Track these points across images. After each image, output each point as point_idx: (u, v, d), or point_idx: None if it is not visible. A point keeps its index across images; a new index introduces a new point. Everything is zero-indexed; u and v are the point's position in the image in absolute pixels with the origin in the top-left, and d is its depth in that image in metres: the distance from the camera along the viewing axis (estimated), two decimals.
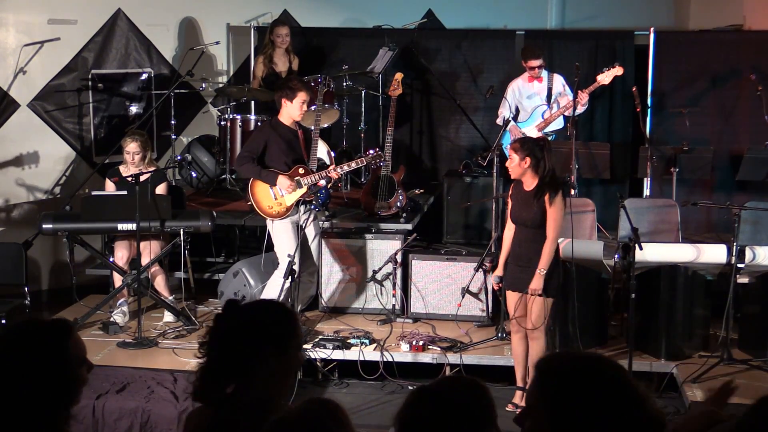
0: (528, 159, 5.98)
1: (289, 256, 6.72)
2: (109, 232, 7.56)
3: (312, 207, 7.06)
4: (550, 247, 6.00)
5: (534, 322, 6.04)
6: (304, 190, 6.90)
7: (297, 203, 6.94)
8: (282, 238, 6.95)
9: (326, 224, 7.83)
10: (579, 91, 8.14)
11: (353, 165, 7.32)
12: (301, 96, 6.82)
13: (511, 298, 6.20)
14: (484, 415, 2.39)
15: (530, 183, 6.07)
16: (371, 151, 7.39)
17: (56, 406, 2.62)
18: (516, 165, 6.02)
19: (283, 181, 6.84)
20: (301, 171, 6.91)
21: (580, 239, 6.63)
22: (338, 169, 7.11)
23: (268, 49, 9.19)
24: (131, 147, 7.38)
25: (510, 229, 6.25)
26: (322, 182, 7.62)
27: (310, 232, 7.10)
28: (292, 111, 6.87)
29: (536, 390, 2.28)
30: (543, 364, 2.36)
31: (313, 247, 7.18)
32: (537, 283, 5.96)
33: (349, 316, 7.65)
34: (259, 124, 8.59)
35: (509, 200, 6.24)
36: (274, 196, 6.90)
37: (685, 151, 8.26)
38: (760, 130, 8.59)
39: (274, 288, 6.88)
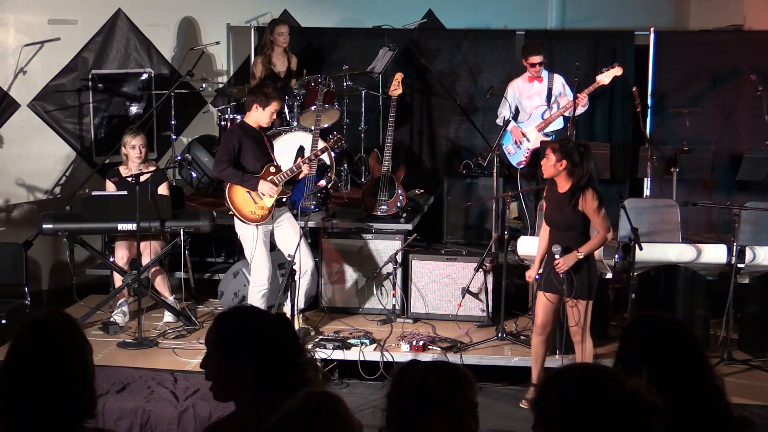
0: (564, 162, 5.93)
1: (289, 256, 6.72)
2: (110, 232, 7.56)
3: (291, 202, 7.08)
4: (599, 239, 5.96)
5: (577, 326, 6.00)
6: (279, 188, 6.90)
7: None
8: (257, 248, 6.91)
9: (312, 223, 7.81)
10: (578, 94, 8.14)
11: (319, 153, 7.30)
12: (274, 105, 6.81)
13: (541, 299, 6.13)
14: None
15: (564, 185, 6.01)
16: (330, 136, 7.41)
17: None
18: (551, 165, 5.96)
19: (264, 185, 6.82)
20: (272, 170, 6.90)
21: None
22: (307, 161, 7.07)
23: (267, 49, 9.18)
24: (137, 141, 7.39)
25: (545, 230, 6.21)
26: (323, 182, 7.64)
27: (289, 232, 7.04)
28: (261, 117, 6.85)
29: (538, 396, 2.38)
30: (551, 373, 2.44)
31: (302, 246, 6.95)
32: (568, 260, 5.87)
33: (349, 316, 7.65)
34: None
35: (544, 202, 6.19)
36: (254, 200, 6.88)
37: (685, 151, 8.26)
38: (760, 130, 8.60)
39: (255, 301, 6.89)
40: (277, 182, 6.87)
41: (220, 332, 2.85)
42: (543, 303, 6.13)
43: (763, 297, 6.92)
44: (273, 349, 2.78)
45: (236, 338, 2.80)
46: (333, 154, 8.16)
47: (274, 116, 6.97)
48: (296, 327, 6.75)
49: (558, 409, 2.28)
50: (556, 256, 5.90)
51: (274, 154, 7.15)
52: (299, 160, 7.13)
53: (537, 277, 6.24)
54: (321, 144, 7.72)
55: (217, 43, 9.90)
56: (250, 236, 6.90)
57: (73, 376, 2.56)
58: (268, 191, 6.82)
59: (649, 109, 9.24)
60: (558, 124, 8.45)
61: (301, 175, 7.06)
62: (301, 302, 7.03)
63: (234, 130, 7.08)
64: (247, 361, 2.75)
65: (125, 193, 7.14)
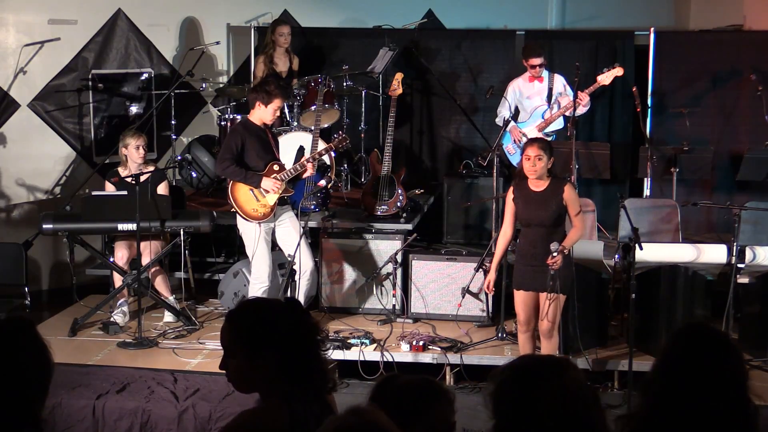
0: (552, 158, 6.07)
1: (289, 256, 6.72)
2: (109, 232, 7.56)
3: (291, 202, 7.08)
4: (579, 232, 6.09)
5: (550, 321, 6.05)
6: (283, 186, 6.90)
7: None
8: (258, 245, 6.91)
9: (312, 223, 7.81)
10: (579, 92, 8.13)
11: (323, 153, 7.32)
12: (277, 102, 6.82)
13: (521, 297, 6.18)
14: None
15: (540, 183, 6.07)
16: (335, 135, 7.41)
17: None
18: (544, 165, 6.02)
19: (267, 182, 6.82)
20: (276, 168, 6.91)
21: (580, 239, 6.62)
22: (311, 160, 7.05)
23: (269, 49, 9.18)
24: (141, 141, 7.41)
25: (505, 234, 6.28)
26: (323, 182, 7.64)
27: (291, 231, 7.03)
28: (264, 114, 6.85)
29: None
30: (503, 366, 2.52)
31: (302, 246, 6.96)
32: (561, 256, 5.90)
33: (349, 316, 7.65)
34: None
35: (512, 203, 6.19)
36: (256, 198, 6.88)
37: (685, 151, 8.26)
38: (760, 130, 8.59)
39: (255, 293, 6.91)
40: (280, 180, 6.87)
41: (238, 329, 2.83)
42: (523, 301, 6.18)
43: (763, 297, 6.92)
44: (293, 333, 2.79)
45: (257, 330, 2.80)
46: (333, 154, 8.16)
47: (278, 113, 6.97)
48: None
49: (510, 399, 2.35)
50: (554, 254, 5.90)
51: (279, 152, 7.15)
52: (303, 158, 7.13)
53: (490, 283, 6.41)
54: (321, 144, 7.72)
55: (218, 43, 9.90)
56: (251, 234, 6.91)
57: (9, 388, 2.52)
58: (271, 188, 6.83)
59: (649, 109, 9.24)
60: (558, 124, 8.44)
61: (305, 174, 7.06)
62: (300, 302, 7.01)
63: (237, 128, 7.09)
64: (272, 351, 2.76)
65: (125, 193, 7.14)
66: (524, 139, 8.38)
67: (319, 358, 2.83)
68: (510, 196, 6.22)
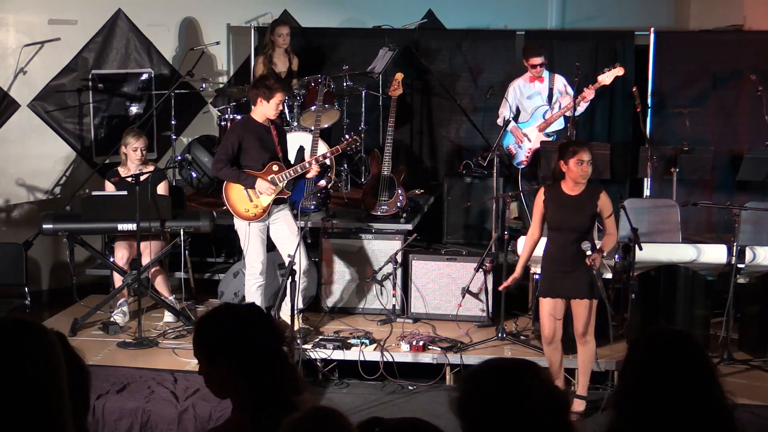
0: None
1: (289, 256, 6.72)
2: (110, 232, 7.56)
3: (290, 202, 7.08)
4: (614, 239, 5.99)
5: (585, 326, 5.96)
6: (280, 187, 6.89)
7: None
8: (250, 241, 6.91)
9: (310, 223, 7.81)
10: (585, 88, 8.13)
11: (328, 154, 7.31)
12: (278, 96, 6.78)
13: (549, 305, 6.01)
14: None
15: (577, 188, 5.95)
16: (346, 137, 7.36)
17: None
18: (591, 170, 5.95)
19: (262, 184, 6.80)
20: (275, 168, 6.88)
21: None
22: (314, 162, 7.02)
23: (268, 50, 9.19)
24: (140, 143, 7.41)
25: (533, 236, 6.13)
26: (323, 182, 7.62)
27: (284, 230, 7.02)
28: (267, 110, 6.82)
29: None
30: (468, 371, 2.47)
31: (300, 245, 6.95)
32: (600, 257, 5.83)
33: (349, 316, 7.65)
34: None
35: (542, 205, 6.05)
36: (250, 198, 6.87)
37: (685, 151, 8.26)
38: (760, 130, 8.59)
39: (251, 293, 6.93)
40: (278, 181, 6.86)
41: (196, 338, 2.87)
42: (551, 308, 6.01)
43: (763, 297, 6.92)
44: (245, 338, 2.77)
45: (210, 338, 2.81)
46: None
47: (281, 107, 6.92)
48: (296, 327, 6.77)
49: (477, 406, 2.32)
50: (588, 252, 5.77)
51: (286, 147, 7.11)
52: (306, 160, 7.11)
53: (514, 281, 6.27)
54: (321, 144, 7.72)
55: (218, 43, 9.90)
56: (243, 230, 6.93)
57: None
58: (265, 190, 6.82)
59: (649, 109, 9.24)
60: (559, 125, 8.44)
61: (309, 175, 7.03)
62: (299, 302, 7.02)
63: (235, 127, 7.08)
64: (226, 358, 2.75)
65: (125, 193, 7.14)
66: (526, 140, 8.41)
67: (282, 363, 2.79)
68: (540, 197, 6.06)
